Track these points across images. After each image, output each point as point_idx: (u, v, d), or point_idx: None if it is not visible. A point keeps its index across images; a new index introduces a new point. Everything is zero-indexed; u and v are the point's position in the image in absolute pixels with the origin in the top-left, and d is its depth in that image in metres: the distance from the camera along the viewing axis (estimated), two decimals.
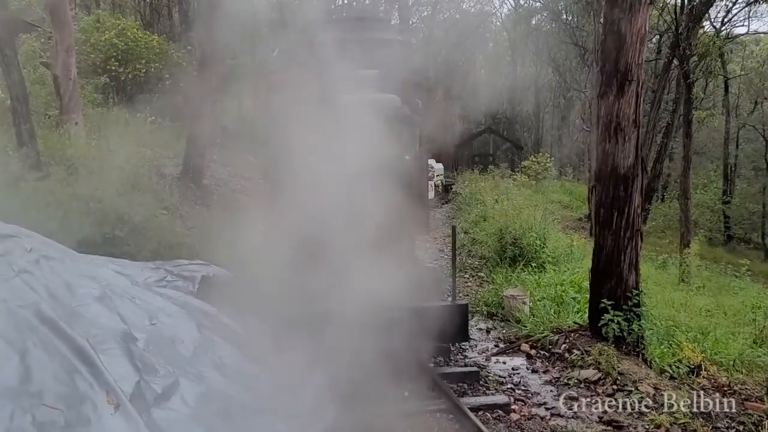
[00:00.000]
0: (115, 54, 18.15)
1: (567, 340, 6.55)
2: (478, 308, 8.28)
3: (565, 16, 34.22)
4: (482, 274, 10.31)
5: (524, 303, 7.71)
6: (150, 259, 7.78)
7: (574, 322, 7.02)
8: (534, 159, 32.15)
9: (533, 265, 9.67)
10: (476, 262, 10.94)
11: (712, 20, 23.73)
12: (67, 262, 5.30)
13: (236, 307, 7.35)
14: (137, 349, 4.40)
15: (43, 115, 14.24)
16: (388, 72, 5.82)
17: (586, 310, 7.56)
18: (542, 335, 6.80)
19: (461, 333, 5.84)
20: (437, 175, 22.31)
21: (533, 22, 42.30)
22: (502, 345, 6.98)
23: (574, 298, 8.06)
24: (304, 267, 5.95)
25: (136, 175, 11.40)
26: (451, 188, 23.70)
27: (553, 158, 36.69)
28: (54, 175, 9.51)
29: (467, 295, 9.11)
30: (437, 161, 25.20)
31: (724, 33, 23.55)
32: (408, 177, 6.35)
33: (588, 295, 8.05)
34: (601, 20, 24.68)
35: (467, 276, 10.24)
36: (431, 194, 20.89)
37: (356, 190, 5.32)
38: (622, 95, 6.20)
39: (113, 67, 18.00)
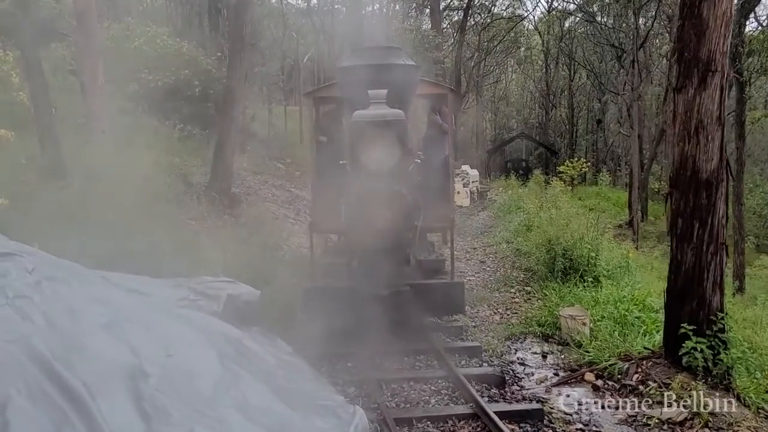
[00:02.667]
0: (144, 62, 17.85)
1: (639, 370, 5.71)
2: (530, 328, 7.46)
3: (600, 18, 33.22)
4: (529, 288, 9.49)
5: (584, 324, 6.88)
6: (172, 275, 7.19)
7: (645, 348, 6.16)
8: (570, 164, 31.20)
9: (587, 279, 8.82)
10: (522, 275, 10.11)
11: (758, 17, 22.60)
12: (73, 284, 4.69)
13: (265, 329, 6.72)
14: (147, 388, 3.75)
15: (71, 123, 13.90)
16: (398, 90, 6.74)
17: (655, 332, 6.74)
18: (609, 363, 5.96)
19: (459, 305, 7.13)
20: (473, 182, 21.42)
21: (566, 24, 41.23)
22: (562, 373, 6.16)
23: (638, 318, 7.20)
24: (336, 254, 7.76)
25: (162, 185, 10.93)
26: (486, 195, 22.83)
27: (588, 163, 35.67)
28: (74, 185, 9.03)
29: (516, 313, 8.33)
30: (470, 167, 24.38)
31: None
32: (428, 178, 8.02)
33: (655, 315, 7.23)
34: (637, 21, 23.61)
35: (513, 291, 9.43)
36: (467, 201, 20.11)
37: (382, 190, 6.35)
38: (704, 88, 5.36)
39: (143, 75, 17.69)
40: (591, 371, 5.99)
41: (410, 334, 7.02)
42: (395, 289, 6.38)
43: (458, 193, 18.96)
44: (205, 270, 7.47)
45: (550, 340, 7.14)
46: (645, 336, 6.63)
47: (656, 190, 33.62)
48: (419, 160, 7.71)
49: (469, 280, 10.18)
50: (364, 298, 6.25)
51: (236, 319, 6.61)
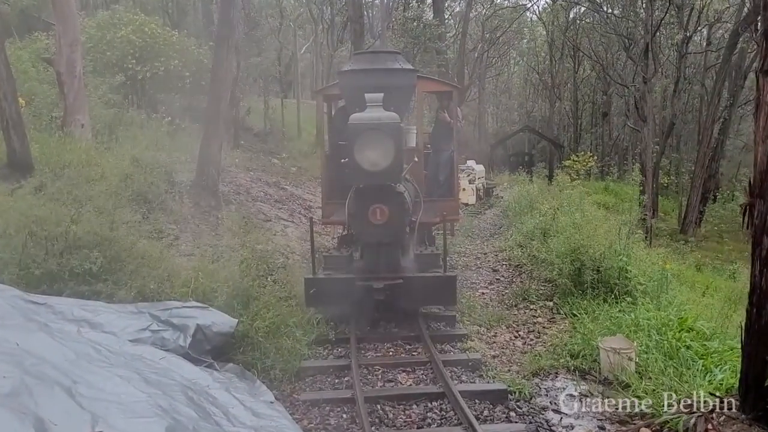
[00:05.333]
0: (132, 51, 16.67)
1: (710, 426, 4.54)
2: (561, 360, 6.27)
3: (606, 8, 31.96)
4: (551, 304, 8.34)
5: (630, 359, 5.71)
6: (134, 297, 6.03)
7: (711, 393, 5.00)
8: (575, 158, 30.05)
9: (621, 296, 7.64)
10: (542, 288, 8.93)
11: None
12: None
13: (240, 367, 5.59)
14: None
15: (48, 116, 12.74)
16: (394, 94, 7.16)
17: (714, 368, 5.59)
18: (670, 415, 4.78)
19: (450, 298, 7.09)
20: (478, 178, 20.16)
21: (571, 15, 39.92)
22: (609, 426, 5.00)
23: (688, 347, 6.04)
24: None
25: (141, 184, 9.77)
26: (493, 191, 21.58)
27: (594, 157, 34.54)
28: (29, 186, 7.85)
29: (540, 338, 7.17)
30: (475, 162, 23.11)
31: None
32: (434, 173, 9.13)
33: (710, 343, 6.10)
34: (651, 7, 22.34)
35: (534, 308, 8.26)
36: (473, 199, 18.90)
37: (378, 189, 6.73)
38: None
39: (130, 65, 16.52)
40: (647, 426, 4.82)
41: (418, 370, 5.97)
42: (388, 282, 6.71)
43: (464, 190, 17.76)
44: (175, 289, 6.31)
45: (587, 377, 5.95)
46: (705, 375, 5.47)
47: (665, 185, 32.48)
48: (417, 159, 8.39)
49: (483, 293, 9.02)
50: (361, 290, 6.68)
51: (207, 353, 5.44)
